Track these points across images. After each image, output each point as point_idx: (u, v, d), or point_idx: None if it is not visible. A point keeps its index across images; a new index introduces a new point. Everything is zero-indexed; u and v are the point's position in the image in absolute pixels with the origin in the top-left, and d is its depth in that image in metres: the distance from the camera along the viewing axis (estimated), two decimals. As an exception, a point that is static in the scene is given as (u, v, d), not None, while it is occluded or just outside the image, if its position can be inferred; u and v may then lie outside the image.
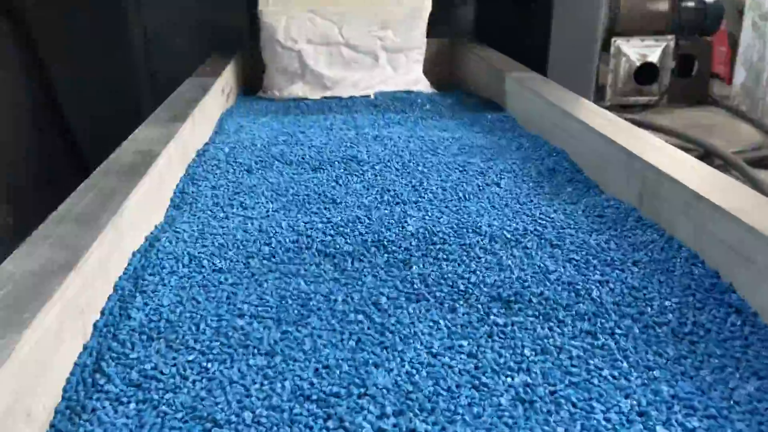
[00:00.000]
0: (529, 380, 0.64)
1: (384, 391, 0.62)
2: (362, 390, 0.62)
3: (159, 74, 2.03)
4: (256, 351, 0.69)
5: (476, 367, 0.66)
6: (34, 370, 0.58)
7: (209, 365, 0.67)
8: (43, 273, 0.68)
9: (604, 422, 0.58)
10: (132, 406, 0.61)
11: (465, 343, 0.70)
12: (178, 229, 0.98)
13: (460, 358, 0.67)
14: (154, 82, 2.01)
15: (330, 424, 0.58)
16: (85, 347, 0.69)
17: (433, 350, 0.69)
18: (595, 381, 0.64)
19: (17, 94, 1.97)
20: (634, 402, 0.60)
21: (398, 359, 0.67)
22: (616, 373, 0.65)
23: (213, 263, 0.88)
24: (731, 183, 0.90)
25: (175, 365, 0.66)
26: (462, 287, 0.81)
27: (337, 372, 0.65)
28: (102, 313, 0.75)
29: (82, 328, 0.70)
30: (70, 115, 2.10)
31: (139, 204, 0.94)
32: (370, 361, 0.67)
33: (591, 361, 0.67)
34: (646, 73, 4.06)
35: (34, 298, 0.63)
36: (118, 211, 0.85)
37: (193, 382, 0.64)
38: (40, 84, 2.06)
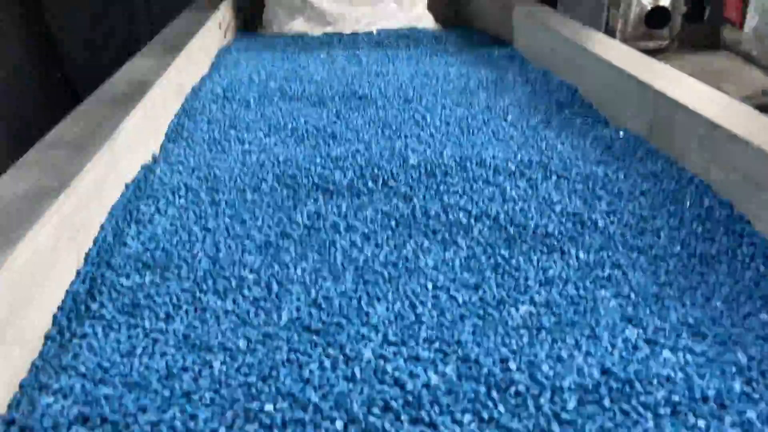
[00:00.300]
0: (534, 310, 0.62)
1: (386, 321, 0.60)
2: (364, 320, 0.61)
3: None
4: (252, 282, 0.67)
5: (481, 299, 0.64)
6: (28, 282, 0.57)
7: (203, 296, 0.65)
8: (34, 196, 0.66)
9: (609, 347, 0.56)
10: (123, 332, 0.59)
11: (468, 275, 0.68)
12: (173, 161, 0.95)
13: (465, 290, 0.65)
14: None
15: (330, 351, 0.57)
16: (78, 273, 0.67)
17: (438, 283, 0.67)
18: (602, 311, 0.62)
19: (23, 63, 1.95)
20: (641, 330, 0.59)
21: (401, 291, 0.65)
22: (623, 302, 0.63)
23: (210, 195, 0.85)
24: (745, 110, 0.86)
25: (168, 294, 0.65)
26: (464, 220, 0.78)
27: (337, 303, 0.63)
28: (95, 240, 0.74)
29: (75, 252, 0.69)
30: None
31: (136, 129, 0.91)
32: (372, 294, 0.65)
33: (597, 292, 0.65)
34: (657, 16, 3.95)
35: (26, 219, 0.61)
36: (113, 135, 0.82)
37: (186, 311, 0.63)
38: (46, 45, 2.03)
